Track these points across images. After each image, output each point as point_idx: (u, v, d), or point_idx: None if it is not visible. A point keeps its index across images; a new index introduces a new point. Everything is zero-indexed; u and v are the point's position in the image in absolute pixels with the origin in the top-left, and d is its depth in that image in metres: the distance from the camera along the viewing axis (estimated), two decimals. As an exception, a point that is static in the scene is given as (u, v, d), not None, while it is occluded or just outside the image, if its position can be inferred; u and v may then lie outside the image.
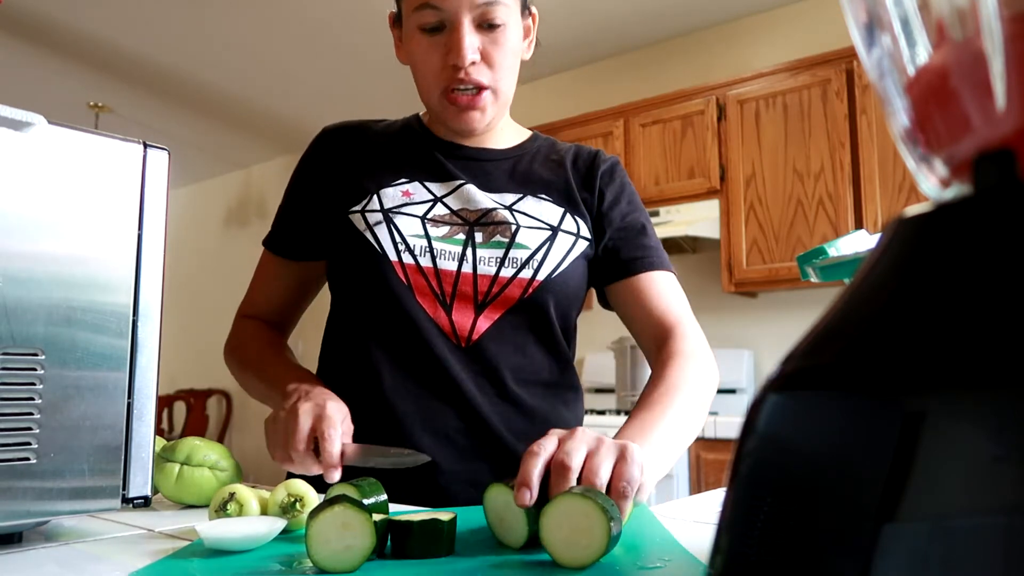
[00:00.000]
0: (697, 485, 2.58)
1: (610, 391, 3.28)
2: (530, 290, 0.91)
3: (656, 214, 3.10)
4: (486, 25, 0.88)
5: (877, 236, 0.31)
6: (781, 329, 3.06)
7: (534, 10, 0.97)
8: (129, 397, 0.61)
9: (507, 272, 0.90)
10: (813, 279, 0.70)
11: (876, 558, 0.23)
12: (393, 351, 0.91)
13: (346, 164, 0.97)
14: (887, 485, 0.23)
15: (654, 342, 0.93)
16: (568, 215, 0.96)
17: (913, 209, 0.28)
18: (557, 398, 0.96)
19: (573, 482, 0.58)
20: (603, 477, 0.58)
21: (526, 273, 0.91)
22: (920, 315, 0.25)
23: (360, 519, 0.49)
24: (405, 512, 0.63)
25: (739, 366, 3.04)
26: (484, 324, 0.90)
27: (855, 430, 0.25)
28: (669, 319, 0.93)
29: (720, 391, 3.57)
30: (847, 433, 0.25)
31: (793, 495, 0.26)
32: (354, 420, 0.83)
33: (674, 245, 3.25)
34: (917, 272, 0.26)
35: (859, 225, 2.63)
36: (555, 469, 0.58)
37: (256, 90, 4.26)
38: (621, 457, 0.60)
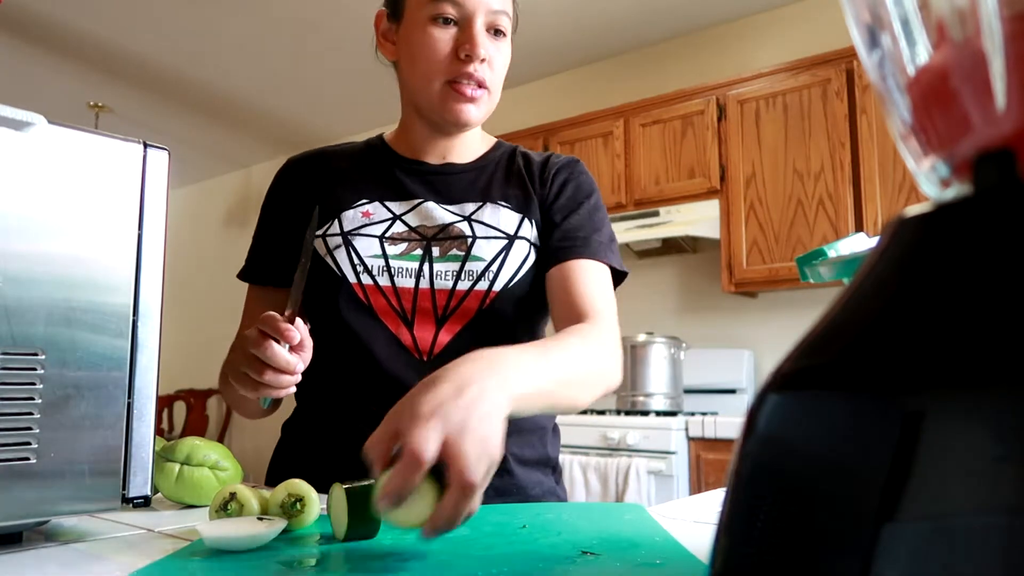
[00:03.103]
0: (697, 485, 2.58)
1: (610, 391, 3.28)
2: (487, 301, 0.92)
3: (656, 214, 3.10)
4: (493, 31, 0.94)
5: (876, 239, 0.31)
6: (781, 329, 3.06)
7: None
8: (129, 397, 0.61)
9: (464, 285, 0.92)
10: (812, 280, 0.70)
11: (876, 558, 0.23)
12: (352, 370, 0.93)
13: (310, 192, 1.00)
14: (887, 485, 0.23)
15: (566, 326, 0.88)
16: (526, 220, 0.97)
17: (913, 209, 0.28)
18: None
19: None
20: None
21: (482, 285, 0.92)
22: (920, 315, 0.25)
23: (428, 486, 0.50)
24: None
25: (739, 366, 3.04)
26: (445, 337, 0.92)
27: (855, 430, 0.25)
28: (588, 308, 0.88)
29: (720, 391, 3.53)
30: (847, 433, 0.25)
31: (793, 495, 0.26)
32: (315, 438, 0.91)
33: (674, 245, 3.24)
34: (917, 272, 0.26)
35: (859, 225, 2.64)
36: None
37: (256, 90, 4.26)
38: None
